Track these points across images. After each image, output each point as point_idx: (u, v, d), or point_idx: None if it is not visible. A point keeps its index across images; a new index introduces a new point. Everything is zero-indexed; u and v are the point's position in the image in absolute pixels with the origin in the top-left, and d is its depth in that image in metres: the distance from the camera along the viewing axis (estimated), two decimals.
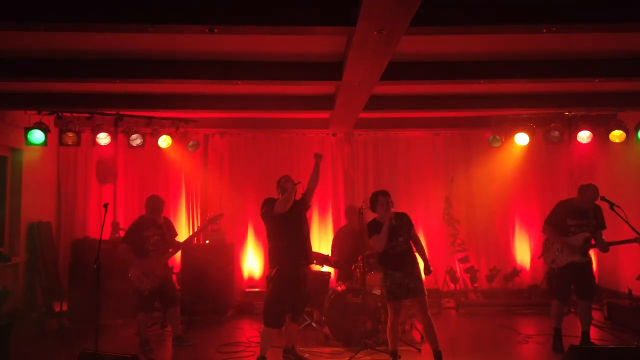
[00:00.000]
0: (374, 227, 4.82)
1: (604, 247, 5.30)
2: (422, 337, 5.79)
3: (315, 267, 6.32)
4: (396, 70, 4.99)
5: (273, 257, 4.98)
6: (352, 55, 4.25)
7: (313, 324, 6.27)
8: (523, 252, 8.27)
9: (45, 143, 6.66)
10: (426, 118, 7.91)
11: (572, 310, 6.84)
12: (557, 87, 6.36)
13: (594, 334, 5.71)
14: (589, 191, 5.31)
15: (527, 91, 6.58)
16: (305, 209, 5.20)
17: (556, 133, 7.43)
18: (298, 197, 5.13)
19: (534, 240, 8.10)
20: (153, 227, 5.74)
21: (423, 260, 4.94)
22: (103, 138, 7.15)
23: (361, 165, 8.37)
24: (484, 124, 7.84)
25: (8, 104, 6.40)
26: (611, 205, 5.03)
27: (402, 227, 4.86)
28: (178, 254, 6.93)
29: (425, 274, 4.92)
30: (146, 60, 5.11)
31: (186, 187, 8.21)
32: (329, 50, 4.81)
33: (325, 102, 6.48)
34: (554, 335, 5.49)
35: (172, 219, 6.51)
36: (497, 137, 7.72)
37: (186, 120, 7.45)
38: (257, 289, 7.82)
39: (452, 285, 7.95)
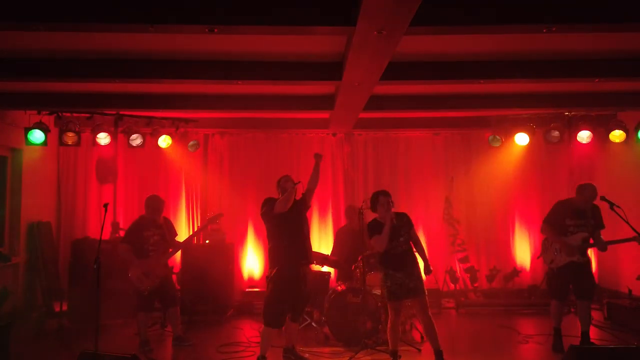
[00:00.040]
0: (375, 227, 4.82)
1: (602, 246, 5.31)
2: (422, 337, 5.80)
3: (315, 267, 6.32)
4: (396, 70, 4.99)
5: (273, 257, 4.98)
6: (352, 55, 4.25)
7: (313, 324, 6.27)
8: (523, 252, 8.27)
9: (45, 143, 6.66)
10: (426, 118, 7.91)
11: (572, 310, 6.84)
12: (557, 87, 6.36)
13: (594, 334, 5.71)
14: (587, 191, 5.31)
15: (527, 91, 6.58)
16: (305, 209, 5.20)
17: (556, 133, 7.43)
18: (298, 196, 5.13)
19: (534, 240, 8.11)
20: (153, 227, 5.74)
21: (423, 261, 4.95)
22: (103, 138, 7.15)
23: (361, 165, 8.37)
24: (484, 124, 7.84)
25: (8, 104, 6.40)
26: (611, 205, 5.03)
27: (403, 227, 4.86)
28: (178, 254, 6.94)
29: (425, 274, 4.92)
30: (146, 60, 5.12)
31: (186, 187, 8.21)
32: (329, 50, 4.81)
33: (325, 102, 6.48)
34: (553, 335, 5.49)
35: (172, 219, 6.51)
36: (497, 137, 7.72)
37: (186, 120, 7.45)
38: (257, 289, 7.82)
39: (452, 285, 7.95)
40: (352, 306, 5.58)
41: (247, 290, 7.91)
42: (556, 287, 5.52)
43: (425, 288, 4.80)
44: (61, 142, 7.01)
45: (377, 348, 5.27)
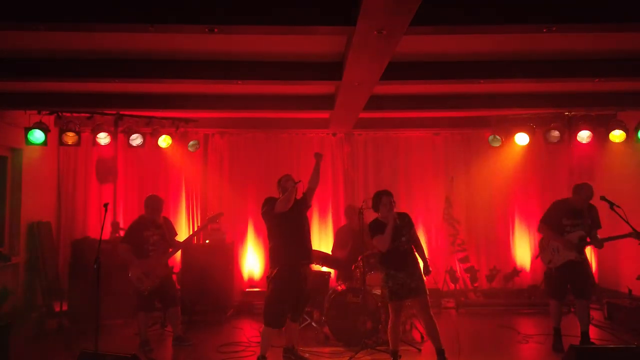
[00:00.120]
0: (377, 227, 4.82)
1: (599, 243, 5.33)
2: (422, 337, 5.80)
3: (315, 267, 6.32)
4: (396, 70, 4.99)
5: (274, 257, 4.98)
6: (352, 55, 4.25)
7: (313, 323, 6.27)
8: (523, 252, 8.27)
9: (45, 143, 6.66)
10: (426, 118, 7.91)
11: (572, 310, 6.84)
12: (557, 87, 6.37)
13: (594, 334, 5.71)
14: (583, 191, 5.33)
15: (527, 91, 6.58)
16: (306, 209, 5.20)
17: (556, 133, 7.43)
18: (299, 196, 5.11)
19: (534, 240, 8.10)
20: (153, 227, 5.74)
21: (423, 261, 4.94)
22: (103, 138, 7.15)
23: (361, 165, 8.37)
24: (484, 124, 7.84)
25: (8, 104, 6.40)
26: (611, 205, 5.03)
27: (405, 227, 4.86)
28: (178, 254, 6.93)
29: (424, 274, 4.92)
30: (146, 60, 5.12)
31: (186, 187, 8.21)
32: (329, 50, 4.81)
33: (325, 102, 6.48)
34: (553, 335, 5.50)
35: (172, 219, 6.50)
36: (497, 137, 7.72)
37: (186, 120, 7.45)
38: (257, 289, 7.83)
39: (452, 285, 7.95)
40: (352, 306, 5.58)
41: (247, 290, 7.92)
42: (554, 286, 5.53)
43: (426, 288, 4.81)
44: (61, 142, 7.01)
45: (377, 348, 5.27)
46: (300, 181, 5.02)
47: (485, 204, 8.22)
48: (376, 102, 6.27)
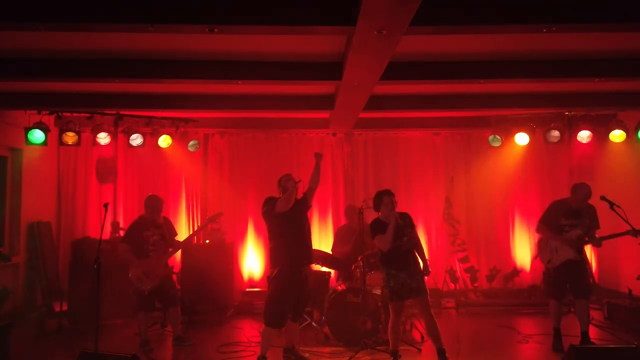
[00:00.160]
0: (379, 227, 4.81)
1: (597, 242, 5.34)
2: (422, 337, 5.80)
3: (316, 267, 6.32)
4: (396, 70, 4.99)
5: (274, 257, 4.97)
6: (352, 55, 4.25)
7: (313, 323, 6.27)
8: (523, 252, 8.27)
9: (45, 143, 6.66)
10: (426, 118, 7.91)
11: (572, 310, 6.84)
12: (557, 87, 6.36)
13: (594, 334, 5.71)
14: (581, 190, 5.33)
15: (527, 91, 6.58)
16: (306, 208, 5.19)
17: (556, 133, 7.43)
18: (299, 196, 5.10)
19: (534, 240, 8.08)
20: (153, 226, 5.74)
21: (422, 261, 4.94)
22: (103, 138, 7.16)
23: (361, 165, 8.37)
24: (484, 124, 7.84)
25: (8, 104, 6.40)
26: (611, 205, 5.03)
27: (406, 227, 4.87)
28: (178, 254, 6.94)
29: (424, 274, 4.92)
30: (146, 60, 5.12)
31: (186, 187, 8.22)
32: (329, 50, 4.81)
33: (325, 102, 6.48)
34: (553, 335, 5.50)
35: (172, 219, 6.51)
36: (497, 137, 7.72)
37: (186, 120, 7.45)
38: (257, 289, 7.83)
39: (452, 285, 7.95)
40: (352, 306, 5.58)
41: (247, 290, 7.91)
42: (553, 286, 5.54)
43: (427, 287, 4.81)
44: (61, 142, 7.01)
45: (377, 348, 5.27)
46: (300, 181, 5.01)
47: (485, 204, 8.22)
48: (376, 102, 6.27)
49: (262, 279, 7.93)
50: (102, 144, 7.21)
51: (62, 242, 7.70)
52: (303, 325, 6.05)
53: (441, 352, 4.73)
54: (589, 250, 7.32)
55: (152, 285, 5.57)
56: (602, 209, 5.32)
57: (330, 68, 5.13)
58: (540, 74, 5.37)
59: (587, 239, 5.33)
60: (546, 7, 3.86)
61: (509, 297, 7.82)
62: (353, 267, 6.07)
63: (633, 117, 7.00)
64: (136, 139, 7.28)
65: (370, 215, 5.08)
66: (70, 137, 6.95)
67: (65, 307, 6.68)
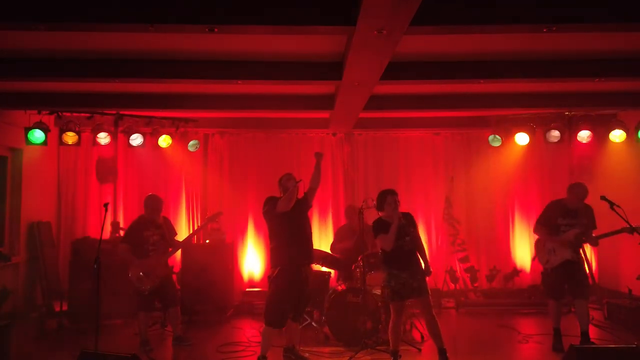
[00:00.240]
0: (381, 226, 4.81)
1: (594, 241, 5.36)
2: (422, 337, 5.80)
3: (316, 267, 6.31)
4: (396, 70, 4.99)
5: (275, 257, 4.97)
6: (352, 55, 4.25)
7: (313, 323, 6.27)
8: (523, 252, 8.26)
9: (45, 143, 6.66)
10: (426, 118, 7.91)
11: (572, 310, 6.84)
12: (557, 87, 6.36)
13: (594, 333, 5.72)
14: (577, 190, 5.34)
15: (527, 91, 6.58)
16: (307, 208, 5.18)
17: (556, 133, 7.43)
18: (300, 195, 5.09)
19: (534, 240, 8.06)
20: (152, 226, 5.74)
21: (424, 262, 4.94)
22: (103, 138, 7.16)
23: (361, 165, 8.37)
24: (484, 124, 7.84)
25: (8, 104, 6.40)
26: (611, 204, 5.02)
27: (408, 226, 4.87)
28: (178, 254, 6.93)
29: (425, 274, 4.92)
30: (146, 60, 5.11)
31: (186, 186, 8.21)
32: (329, 50, 4.81)
33: (325, 102, 6.48)
34: (553, 335, 5.50)
35: (172, 219, 6.51)
36: (498, 136, 7.72)
37: (186, 120, 7.45)
38: (257, 289, 7.83)
39: (452, 285, 7.95)
40: (352, 306, 5.58)
41: (247, 290, 7.91)
42: (552, 287, 5.56)
43: (428, 288, 4.81)
44: (61, 142, 7.01)
45: (377, 348, 5.27)
46: (301, 180, 5.00)
47: (485, 204, 8.22)
48: (376, 102, 6.27)
49: (262, 279, 7.93)
50: (102, 144, 7.21)
51: (62, 242, 7.70)
52: (303, 325, 6.04)
53: (442, 352, 4.73)
54: (589, 250, 7.31)
55: (152, 285, 5.56)
56: (602, 208, 5.31)
57: (330, 68, 5.13)
58: (540, 74, 5.37)
59: (584, 238, 5.33)
60: (546, 7, 3.86)
61: (509, 297, 7.82)
62: (353, 267, 6.07)
63: (633, 117, 7.00)
64: (136, 139, 7.28)
65: (371, 215, 5.08)
66: (70, 137, 6.94)
67: (65, 307, 6.69)
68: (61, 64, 5.12)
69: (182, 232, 7.64)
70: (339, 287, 5.92)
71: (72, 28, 4.02)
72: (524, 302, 7.68)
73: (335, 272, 6.85)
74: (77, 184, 7.89)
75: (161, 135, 7.41)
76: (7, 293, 5.87)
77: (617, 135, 7.07)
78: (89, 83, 5.85)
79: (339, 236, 7.01)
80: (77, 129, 6.97)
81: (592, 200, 5.39)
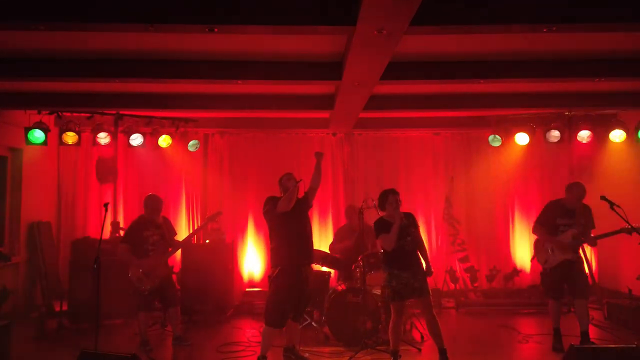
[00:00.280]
0: (383, 226, 4.80)
1: (592, 241, 5.37)
2: (422, 337, 5.80)
3: (316, 267, 6.31)
4: (396, 70, 4.99)
5: (275, 257, 4.96)
6: (352, 55, 4.25)
7: (313, 323, 6.27)
8: (523, 252, 8.26)
9: (45, 143, 6.66)
10: (426, 118, 7.91)
11: (572, 310, 6.84)
12: (557, 87, 6.36)
13: (594, 333, 5.72)
14: (575, 190, 5.35)
15: (527, 91, 6.58)
16: (307, 208, 5.18)
17: (556, 133, 7.43)
18: (300, 195, 5.09)
19: (534, 240, 8.08)
20: (152, 226, 5.73)
21: (425, 262, 4.95)
22: (103, 138, 7.16)
23: (361, 165, 8.37)
24: (484, 124, 7.84)
25: (8, 104, 6.41)
26: (611, 204, 5.02)
27: (410, 226, 4.87)
28: (178, 254, 6.93)
29: (426, 274, 4.92)
30: (146, 60, 5.12)
31: (186, 186, 8.22)
32: (329, 50, 4.81)
33: (325, 102, 6.48)
34: (553, 335, 5.50)
35: (172, 219, 6.51)
36: (498, 136, 7.72)
37: (186, 120, 7.45)
38: (257, 289, 7.83)
39: (452, 285, 7.95)
40: (352, 306, 5.58)
41: (247, 290, 7.92)
42: (551, 286, 5.56)
43: (429, 288, 4.81)
44: (61, 142, 7.01)
45: (377, 348, 5.27)
46: (301, 180, 4.99)
47: (485, 204, 8.23)
48: (376, 102, 6.28)
49: (262, 279, 7.93)
50: (102, 143, 7.21)
51: (62, 242, 7.70)
52: (303, 325, 6.05)
53: (443, 352, 4.73)
54: (588, 250, 7.31)
55: (152, 285, 5.56)
56: (601, 208, 5.31)
57: (330, 68, 5.13)
58: (540, 74, 5.37)
59: (582, 238, 5.33)
60: (546, 7, 3.86)
61: (509, 297, 7.82)
62: (353, 267, 6.07)
63: (633, 117, 7.00)
64: (136, 139, 7.28)
65: (371, 215, 5.07)
66: (70, 137, 6.94)
67: (65, 307, 6.67)
68: (61, 64, 5.13)
69: (182, 232, 7.64)
70: (339, 287, 5.92)
71: (72, 28, 4.02)
72: (524, 302, 7.68)
73: (335, 272, 6.85)
74: (77, 184, 7.89)
75: (161, 135, 7.41)
76: (7, 293, 5.88)
77: (617, 135, 7.08)
78: (89, 83, 5.85)
79: (339, 236, 7.00)
80: (77, 129, 6.97)
81: (592, 200, 5.39)
